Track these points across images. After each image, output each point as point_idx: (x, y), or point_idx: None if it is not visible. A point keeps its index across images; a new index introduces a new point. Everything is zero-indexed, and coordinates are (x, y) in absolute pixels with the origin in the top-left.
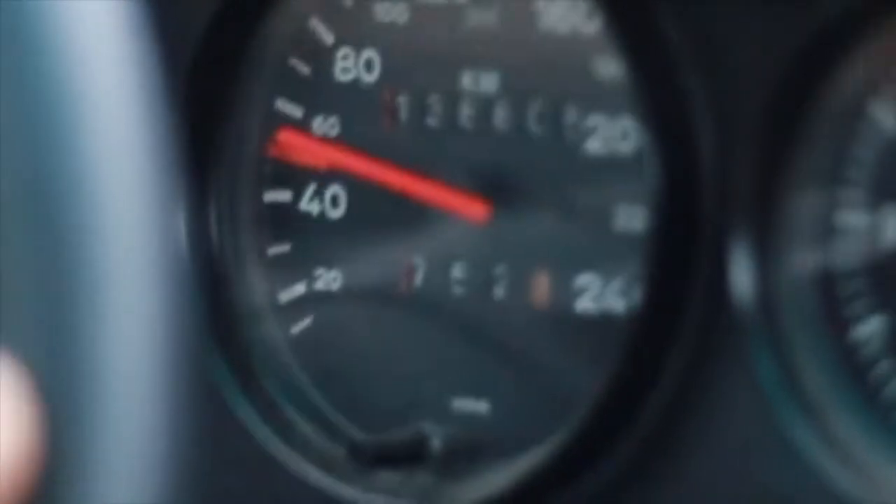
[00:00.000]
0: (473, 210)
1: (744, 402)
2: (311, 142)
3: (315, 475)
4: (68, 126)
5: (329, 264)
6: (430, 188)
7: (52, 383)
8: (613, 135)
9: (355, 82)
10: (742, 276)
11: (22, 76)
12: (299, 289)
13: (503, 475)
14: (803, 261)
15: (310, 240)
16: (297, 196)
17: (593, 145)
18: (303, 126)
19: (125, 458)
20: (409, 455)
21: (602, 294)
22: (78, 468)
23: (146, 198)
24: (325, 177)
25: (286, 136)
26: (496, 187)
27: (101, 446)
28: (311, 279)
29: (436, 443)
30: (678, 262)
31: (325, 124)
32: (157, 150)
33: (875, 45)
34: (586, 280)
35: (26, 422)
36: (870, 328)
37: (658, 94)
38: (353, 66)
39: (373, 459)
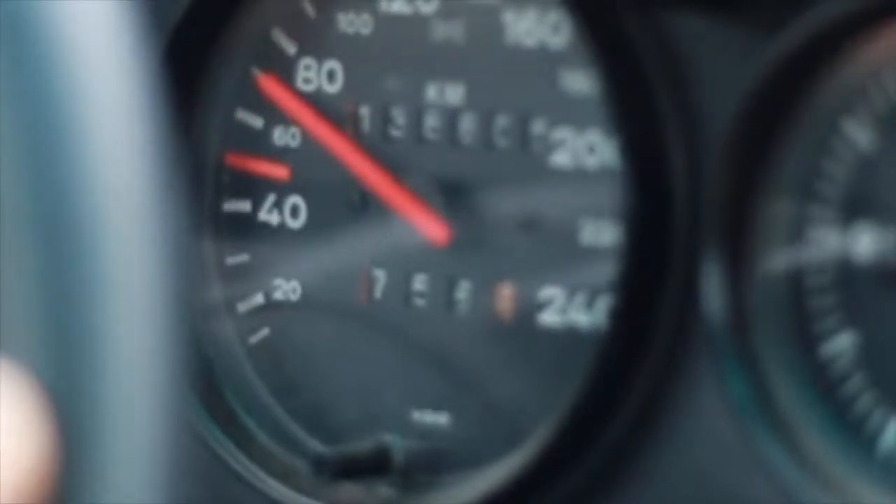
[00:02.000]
0: (434, 231)
1: (714, 418)
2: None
3: (276, 488)
4: (68, 125)
5: (288, 275)
6: (396, 192)
7: (58, 391)
8: (580, 148)
9: (317, 93)
10: (712, 292)
11: (18, 74)
12: (258, 299)
13: (466, 489)
14: (774, 276)
15: (269, 250)
16: (257, 206)
17: (560, 159)
18: (263, 136)
19: (133, 465)
20: (371, 468)
21: (567, 308)
22: (86, 477)
23: (151, 199)
24: (285, 187)
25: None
26: (460, 199)
27: (108, 451)
28: (269, 289)
29: (398, 455)
30: (648, 277)
31: (285, 135)
32: (157, 149)
33: (848, 62)
34: (551, 293)
35: (33, 431)
36: (840, 344)
37: (628, 108)
38: (315, 77)
39: (335, 472)
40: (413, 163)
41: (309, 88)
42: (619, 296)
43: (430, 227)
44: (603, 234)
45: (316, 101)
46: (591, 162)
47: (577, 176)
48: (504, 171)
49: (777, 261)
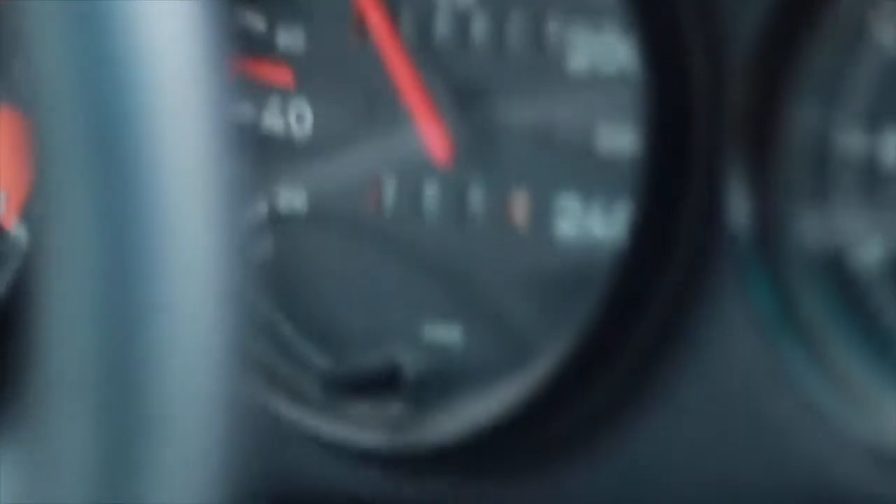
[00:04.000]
0: (438, 144)
1: (738, 330)
2: None
3: (284, 407)
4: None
5: (293, 185)
6: (409, 97)
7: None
8: (597, 51)
9: None
10: (737, 199)
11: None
12: (261, 210)
13: (478, 407)
14: (800, 182)
15: (273, 159)
16: (260, 113)
17: (576, 62)
18: (266, 39)
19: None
20: (382, 385)
21: (584, 217)
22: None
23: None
24: (289, 93)
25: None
26: (472, 104)
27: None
28: (273, 200)
29: (408, 372)
30: (669, 185)
31: (289, 35)
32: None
33: None
34: (567, 202)
35: None
36: (868, 253)
37: (649, 8)
38: None
39: (343, 390)
40: (423, 68)
41: None
42: (638, 204)
43: (433, 140)
44: (621, 139)
45: (322, 3)
46: (609, 65)
47: (594, 79)
48: (518, 76)
49: (802, 167)
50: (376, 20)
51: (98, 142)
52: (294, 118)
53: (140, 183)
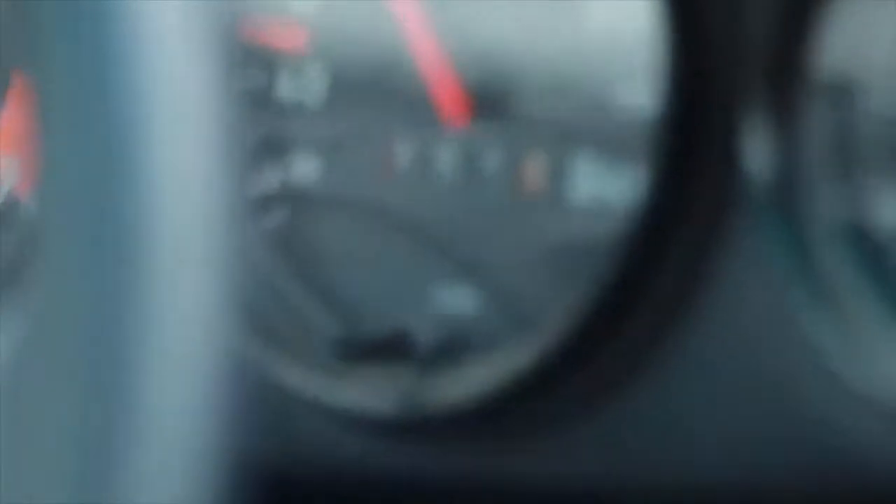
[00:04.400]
0: (455, 110)
1: (756, 289)
2: None
3: (294, 373)
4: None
5: (306, 151)
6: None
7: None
8: (616, 8)
9: None
10: (756, 159)
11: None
12: (274, 178)
13: (489, 373)
14: (821, 132)
15: (285, 125)
16: (273, 81)
17: (594, 16)
18: (280, 3)
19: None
20: (392, 351)
21: (601, 179)
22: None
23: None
24: (303, 58)
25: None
26: (485, 62)
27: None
28: (286, 167)
29: (419, 337)
30: (688, 144)
31: (301, 1)
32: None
33: None
34: (585, 161)
35: None
36: (891, 208)
37: None
38: None
39: (353, 356)
40: (437, 27)
41: None
42: (656, 165)
43: (448, 101)
44: (639, 98)
45: None
46: (626, 23)
47: (613, 37)
48: (535, 34)
49: (824, 115)
50: None
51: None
52: (307, 83)
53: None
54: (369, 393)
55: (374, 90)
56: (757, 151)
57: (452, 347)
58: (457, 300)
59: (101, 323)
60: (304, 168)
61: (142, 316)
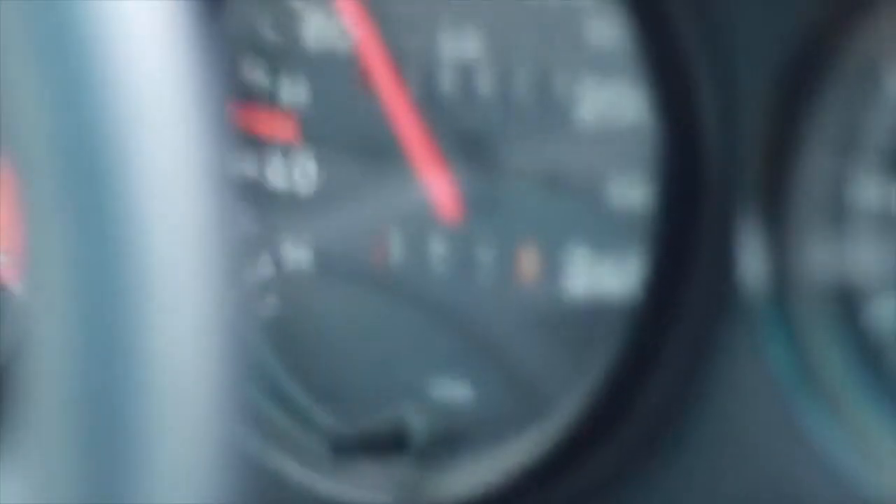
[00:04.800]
0: (447, 201)
1: (753, 389)
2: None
3: (291, 468)
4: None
5: (298, 240)
6: (416, 148)
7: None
8: (606, 102)
9: (329, 47)
10: (751, 253)
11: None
12: (266, 267)
13: (488, 467)
14: (814, 235)
15: (277, 214)
16: (264, 168)
17: (584, 113)
18: (269, 92)
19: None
20: (390, 445)
21: (595, 271)
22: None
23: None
24: (294, 147)
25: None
26: (479, 157)
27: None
28: (278, 256)
29: (417, 432)
30: (682, 238)
31: (293, 91)
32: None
33: (887, 12)
34: (578, 256)
35: None
36: (884, 307)
37: (659, 60)
38: (325, 32)
39: (351, 450)
40: (428, 120)
41: (319, 42)
42: (650, 258)
43: (440, 194)
44: (631, 192)
45: (326, 55)
46: (618, 116)
47: (604, 131)
48: (525, 127)
49: (816, 217)
50: (381, 73)
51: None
52: (298, 172)
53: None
54: (367, 487)
55: (365, 181)
56: (750, 247)
57: (451, 440)
58: (455, 391)
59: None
60: (297, 257)
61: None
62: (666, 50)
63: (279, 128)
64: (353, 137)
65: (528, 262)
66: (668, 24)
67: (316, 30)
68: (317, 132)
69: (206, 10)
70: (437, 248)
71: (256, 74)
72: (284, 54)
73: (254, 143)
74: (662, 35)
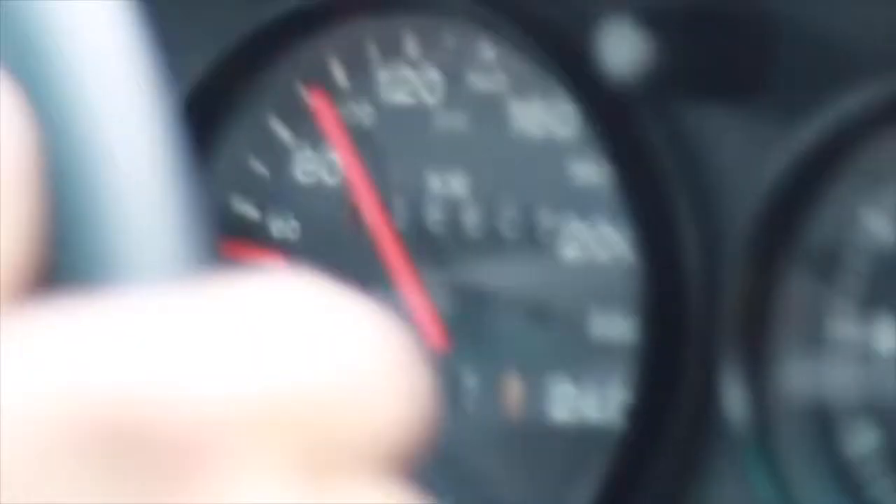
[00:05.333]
0: (433, 336)
1: None
2: None
3: None
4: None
5: None
6: (403, 283)
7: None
8: (590, 240)
9: (317, 184)
10: (732, 390)
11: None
12: None
13: None
14: (795, 372)
15: None
16: None
17: (568, 250)
18: (259, 227)
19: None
20: None
21: (578, 403)
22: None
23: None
24: None
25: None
26: (465, 290)
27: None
28: None
29: None
30: (664, 369)
31: (284, 227)
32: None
33: (868, 153)
34: (561, 388)
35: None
36: (865, 443)
37: (640, 201)
38: (314, 168)
39: None
40: (415, 256)
41: (308, 180)
42: (633, 393)
43: (426, 326)
44: (615, 326)
45: (315, 193)
46: (602, 253)
47: (587, 268)
48: (510, 263)
49: (797, 356)
50: (370, 209)
51: None
52: None
53: None
54: None
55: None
56: (731, 381)
57: None
58: None
59: None
60: None
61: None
62: (647, 188)
63: (269, 261)
64: (340, 272)
65: (513, 391)
66: (648, 164)
67: (305, 165)
68: (306, 266)
69: (197, 146)
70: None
71: (247, 210)
72: (274, 189)
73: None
74: (643, 174)
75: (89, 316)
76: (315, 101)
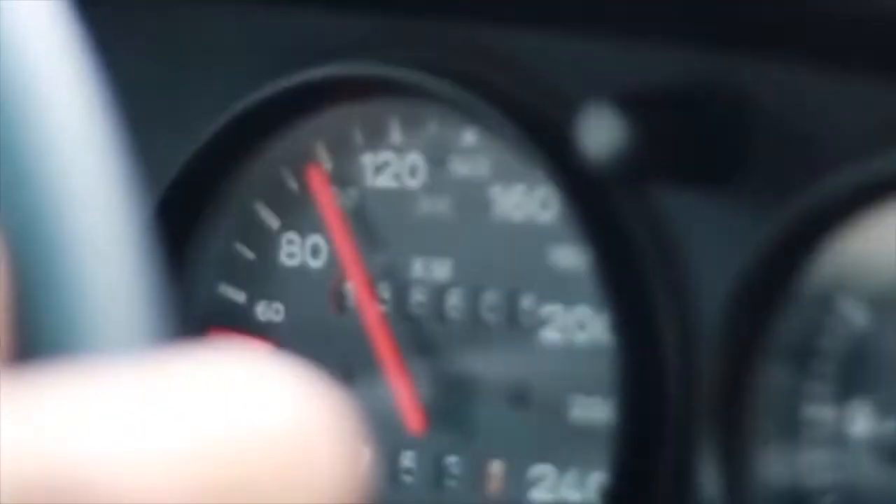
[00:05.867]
0: (413, 418)
1: None
2: None
3: None
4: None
5: None
6: (387, 367)
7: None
8: (570, 324)
9: (301, 267)
10: (709, 473)
11: None
12: None
13: None
14: (771, 456)
15: None
16: None
17: (549, 334)
18: (245, 311)
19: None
20: None
21: (558, 485)
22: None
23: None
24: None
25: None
26: (448, 375)
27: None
28: None
29: None
30: (641, 456)
31: (269, 310)
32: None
33: (843, 240)
34: (542, 471)
35: None
36: None
37: (618, 285)
38: (298, 252)
39: None
40: (398, 338)
41: (292, 263)
42: (611, 474)
43: (407, 409)
44: (595, 410)
45: (299, 276)
46: (582, 337)
47: (567, 351)
48: (492, 347)
49: (773, 439)
50: (360, 291)
51: None
52: None
53: None
54: None
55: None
56: (709, 465)
57: None
58: None
59: None
60: None
61: None
62: (624, 272)
63: (255, 344)
64: (325, 355)
65: (495, 476)
66: (626, 248)
67: (289, 248)
68: (291, 349)
69: (181, 233)
70: (407, 463)
71: (234, 294)
72: (261, 273)
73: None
74: (621, 258)
75: (37, 388)
76: (311, 180)
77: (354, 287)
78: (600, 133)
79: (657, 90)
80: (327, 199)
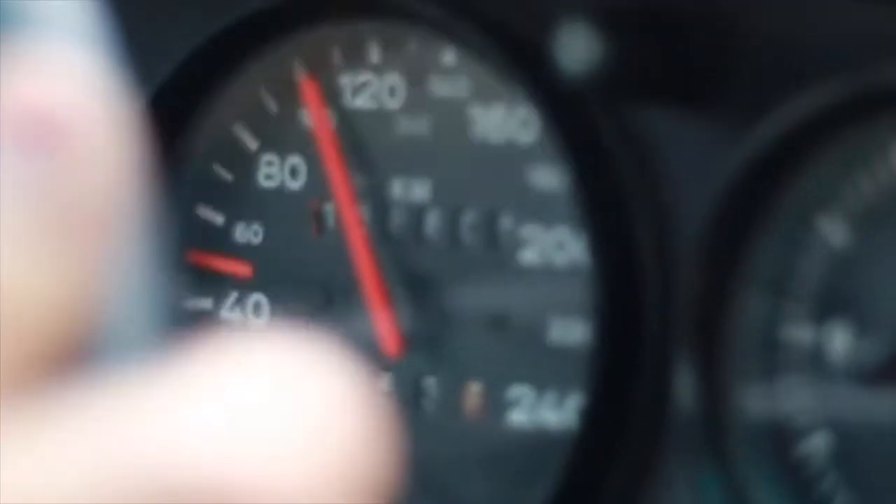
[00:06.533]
0: (390, 339)
1: None
2: None
3: None
4: None
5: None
6: (367, 288)
7: None
8: (549, 245)
9: (280, 189)
10: (685, 392)
11: None
12: None
13: None
14: (747, 374)
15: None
16: (218, 304)
17: (528, 256)
18: (224, 233)
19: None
20: None
21: (536, 407)
22: None
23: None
24: (247, 284)
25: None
26: (426, 296)
27: None
28: None
29: None
30: (619, 376)
31: (247, 231)
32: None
33: (821, 158)
34: (520, 392)
35: None
36: (815, 443)
37: (597, 205)
38: (277, 173)
39: None
40: (378, 259)
41: (271, 184)
42: (589, 395)
43: (385, 331)
44: (572, 331)
45: (278, 198)
46: (560, 259)
47: (546, 273)
48: (471, 268)
49: (750, 360)
50: (346, 211)
51: None
52: (251, 309)
53: None
54: None
55: (315, 318)
56: (685, 384)
57: None
58: None
59: None
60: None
61: None
62: (602, 192)
63: (234, 267)
64: (304, 277)
65: (473, 398)
66: (603, 167)
67: (267, 169)
68: (270, 271)
69: (162, 153)
70: (383, 383)
71: (212, 216)
72: (239, 195)
73: (208, 280)
74: (599, 177)
75: None
76: (305, 94)
77: (335, 208)
78: (576, 50)
79: (634, 5)
80: (321, 114)
